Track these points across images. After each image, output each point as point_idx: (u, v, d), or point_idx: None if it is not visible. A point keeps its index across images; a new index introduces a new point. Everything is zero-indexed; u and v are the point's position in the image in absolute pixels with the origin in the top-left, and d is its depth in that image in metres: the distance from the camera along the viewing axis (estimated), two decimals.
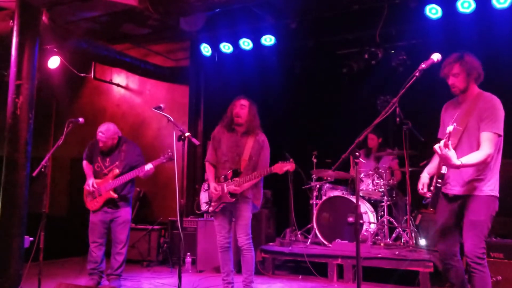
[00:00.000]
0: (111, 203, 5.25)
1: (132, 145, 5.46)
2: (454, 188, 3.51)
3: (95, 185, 5.23)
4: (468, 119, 3.39)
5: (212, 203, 4.59)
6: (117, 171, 5.24)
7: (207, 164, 4.76)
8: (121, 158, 5.30)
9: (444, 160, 3.11)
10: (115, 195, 5.20)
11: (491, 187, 3.39)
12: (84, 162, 5.47)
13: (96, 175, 5.35)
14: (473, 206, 3.40)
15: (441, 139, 3.37)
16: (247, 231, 4.49)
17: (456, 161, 3.08)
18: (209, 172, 4.70)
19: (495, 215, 3.42)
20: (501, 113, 3.35)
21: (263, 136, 4.62)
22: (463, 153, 3.29)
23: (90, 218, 5.32)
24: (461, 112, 3.46)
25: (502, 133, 3.32)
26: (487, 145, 3.26)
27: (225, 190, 4.47)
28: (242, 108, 4.53)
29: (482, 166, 3.34)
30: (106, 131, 5.28)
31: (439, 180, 3.33)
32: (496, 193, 3.42)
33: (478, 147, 3.30)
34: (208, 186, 4.67)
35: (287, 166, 4.19)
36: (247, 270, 4.52)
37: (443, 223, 3.57)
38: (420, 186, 3.58)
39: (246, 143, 4.53)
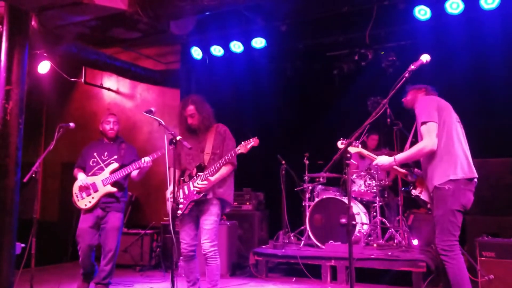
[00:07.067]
0: (106, 202, 5.00)
1: (131, 147, 5.39)
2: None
3: (88, 181, 5.00)
4: None
5: (180, 206, 4.26)
6: (116, 165, 5.06)
7: (169, 169, 4.18)
8: (120, 154, 5.17)
9: None
10: (114, 189, 4.99)
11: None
12: (76, 169, 5.23)
13: (90, 171, 5.11)
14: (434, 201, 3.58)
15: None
16: (212, 236, 4.16)
17: None
18: (170, 177, 4.15)
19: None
20: (422, 104, 3.69)
21: (224, 127, 4.46)
22: None
23: (80, 222, 5.03)
24: None
25: (427, 119, 3.57)
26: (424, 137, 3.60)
27: (191, 188, 4.23)
28: (192, 117, 4.39)
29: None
30: (114, 116, 5.37)
31: None
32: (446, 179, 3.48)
33: None
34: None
35: (251, 142, 4.03)
36: (211, 280, 4.16)
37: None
38: None
39: (207, 137, 4.39)
